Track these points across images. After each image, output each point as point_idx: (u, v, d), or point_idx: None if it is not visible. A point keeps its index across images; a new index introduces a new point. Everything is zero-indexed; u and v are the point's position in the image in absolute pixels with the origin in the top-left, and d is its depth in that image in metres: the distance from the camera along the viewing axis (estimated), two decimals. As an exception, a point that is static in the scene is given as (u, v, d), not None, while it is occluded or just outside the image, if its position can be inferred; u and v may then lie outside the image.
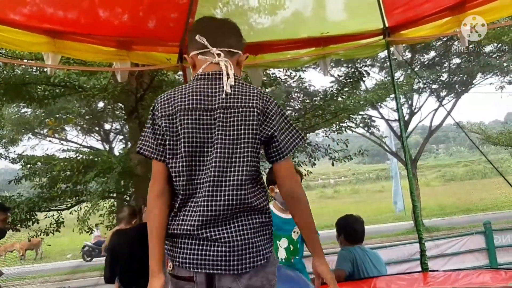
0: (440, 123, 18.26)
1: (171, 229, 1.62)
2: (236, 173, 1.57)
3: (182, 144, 1.58)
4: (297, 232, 2.79)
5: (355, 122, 11.30)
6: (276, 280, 1.64)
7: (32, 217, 6.72)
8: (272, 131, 1.60)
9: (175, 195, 1.64)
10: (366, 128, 15.91)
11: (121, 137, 11.36)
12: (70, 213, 8.07)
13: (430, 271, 4.59)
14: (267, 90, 8.60)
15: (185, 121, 1.59)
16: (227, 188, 1.57)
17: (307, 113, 7.77)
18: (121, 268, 4.07)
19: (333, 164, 8.98)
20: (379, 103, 13.32)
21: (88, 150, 9.06)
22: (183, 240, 1.59)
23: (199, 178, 1.59)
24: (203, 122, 1.59)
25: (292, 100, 8.83)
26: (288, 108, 8.61)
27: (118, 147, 11.04)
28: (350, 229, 4.24)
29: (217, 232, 1.56)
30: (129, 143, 7.88)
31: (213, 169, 1.57)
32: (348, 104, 7.41)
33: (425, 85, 15.53)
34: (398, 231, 15.72)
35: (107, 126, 11.55)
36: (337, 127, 8.61)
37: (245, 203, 1.58)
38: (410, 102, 17.31)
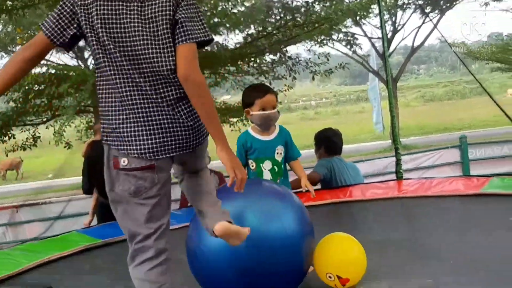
0: (423, 41, 18.10)
1: (117, 123, 1.62)
2: (161, 63, 1.61)
3: (101, 34, 1.58)
4: (280, 153, 2.75)
5: (337, 39, 11.09)
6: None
7: (8, 132, 6.64)
8: (181, 16, 1.61)
9: (110, 95, 1.64)
10: (348, 47, 15.70)
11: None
12: (46, 128, 7.96)
13: (405, 179, 4.73)
14: (246, 4, 8.26)
15: (101, 10, 1.58)
16: (156, 77, 1.61)
17: (287, 22, 7.51)
18: (98, 179, 4.06)
19: (313, 78, 8.90)
20: (362, 19, 12.99)
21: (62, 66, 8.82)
22: (135, 126, 1.61)
23: (125, 69, 1.60)
24: (119, 12, 1.60)
25: (273, 16, 8.51)
26: (268, 23, 8.32)
27: (93, 64, 10.75)
28: (329, 142, 4.36)
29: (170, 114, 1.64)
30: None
31: (139, 61, 1.60)
32: (330, 13, 7.17)
33: (410, 1, 15.17)
34: (376, 149, 16.04)
35: (81, 43, 11.16)
36: (319, 40, 8.43)
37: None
38: (394, 18, 16.99)
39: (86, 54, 11.51)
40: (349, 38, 14.92)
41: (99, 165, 4.03)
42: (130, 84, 1.60)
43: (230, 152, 1.69)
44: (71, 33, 1.62)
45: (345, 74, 53.35)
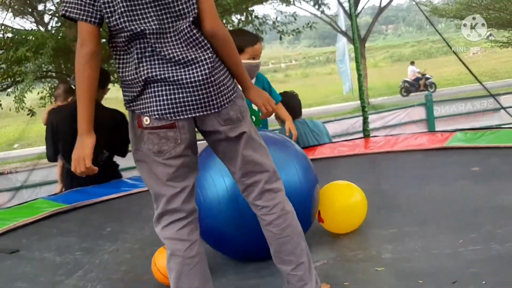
0: (390, 0, 18.09)
1: (135, 81, 1.58)
2: (186, 17, 1.58)
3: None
4: None
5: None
6: (247, 112, 1.73)
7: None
8: None
9: (124, 53, 1.59)
10: (316, 7, 15.58)
11: (56, 19, 10.53)
12: (7, 95, 7.69)
13: (371, 137, 4.80)
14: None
15: None
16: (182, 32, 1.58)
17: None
18: (63, 145, 3.98)
19: (280, 38, 8.81)
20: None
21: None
22: (155, 89, 1.57)
23: (146, 26, 1.55)
24: None
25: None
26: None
27: (53, 27, 10.33)
28: (287, 107, 4.27)
29: (188, 74, 1.59)
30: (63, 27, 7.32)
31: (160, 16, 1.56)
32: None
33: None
34: (345, 110, 16.21)
35: (40, 7, 10.67)
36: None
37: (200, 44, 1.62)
38: (361, -22, 16.86)
39: (47, 18, 11.05)
40: (317, -2, 14.78)
41: (63, 131, 3.97)
42: (147, 49, 1.57)
43: (257, 89, 1.77)
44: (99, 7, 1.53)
45: (314, 36, 53.19)
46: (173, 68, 1.58)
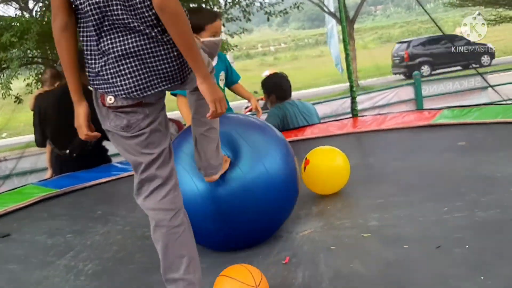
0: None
1: (99, 67, 1.56)
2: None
3: None
4: (223, 79, 2.73)
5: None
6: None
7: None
8: None
9: (89, 38, 1.56)
10: (304, -12, 15.43)
11: (41, 4, 10.37)
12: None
13: (360, 116, 4.83)
14: None
15: None
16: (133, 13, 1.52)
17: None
18: (51, 131, 3.96)
19: (268, 19, 8.76)
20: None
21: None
22: (118, 71, 1.54)
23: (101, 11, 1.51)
24: None
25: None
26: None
27: (37, 11, 10.16)
28: (279, 88, 4.28)
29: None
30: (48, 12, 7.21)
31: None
32: None
33: None
34: (335, 92, 16.23)
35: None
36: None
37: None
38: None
39: (31, 4, 10.88)
40: (305, -21, 14.64)
41: (51, 116, 3.94)
42: (108, 25, 1.53)
43: (211, 84, 1.61)
44: None
45: (303, 18, 52.90)
46: (135, 42, 1.53)
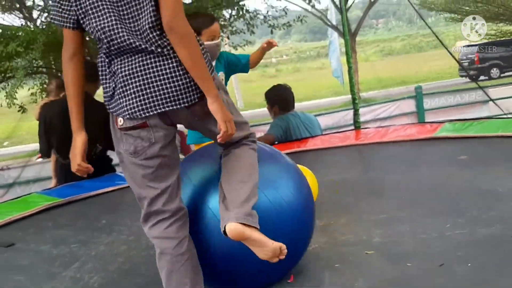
0: (380, -6, 18.13)
1: (111, 90, 1.60)
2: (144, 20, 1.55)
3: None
4: (223, 79, 2.75)
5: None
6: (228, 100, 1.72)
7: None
8: None
9: (101, 56, 1.61)
10: (307, 1, 15.57)
11: (45, 14, 10.46)
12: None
13: (362, 129, 4.87)
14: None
15: None
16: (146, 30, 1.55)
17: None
18: (56, 140, 4.00)
19: (272, 32, 8.84)
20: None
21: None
22: (125, 91, 1.57)
23: (118, 29, 1.54)
24: None
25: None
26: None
27: (42, 22, 10.24)
28: (282, 100, 4.33)
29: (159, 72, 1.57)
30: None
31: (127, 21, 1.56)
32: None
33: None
34: (336, 104, 16.28)
35: (28, 3, 10.60)
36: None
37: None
38: (351, -28, 16.87)
39: (35, 14, 10.97)
40: (307, -8, 14.78)
41: (56, 125, 3.98)
42: (115, 49, 1.56)
43: (222, 104, 1.59)
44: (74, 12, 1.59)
45: (305, 30, 53.17)
46: (140, 63, 1.55)
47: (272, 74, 33.80)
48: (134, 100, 1.55)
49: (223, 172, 1.72)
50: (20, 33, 5.86)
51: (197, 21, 2.45)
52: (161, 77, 1.54)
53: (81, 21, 1.58)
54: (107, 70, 1.59)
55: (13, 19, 10.76)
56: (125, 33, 1.52)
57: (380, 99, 14.87)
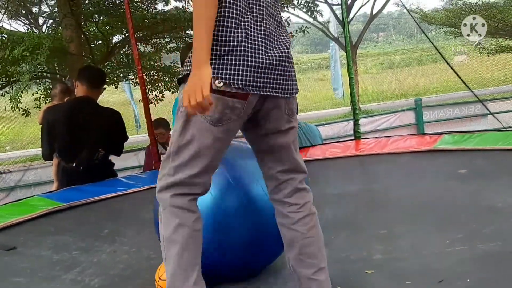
0: (381, 7, 18.28)
1: (235, 40, 1.47)
2: None
3: None
4: None
5: (298, 3, 11.10)
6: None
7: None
8: None
9: (227, 18, 1.48)
10: (309, 14, 15.69)
11: (51, 21, 10.57)
12: (1, 95, 7.68)
13: (362, 139, 4.90)
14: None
15: None
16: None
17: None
18: (59, 144, 4.03)
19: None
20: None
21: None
22: (246, 55, 1.47)
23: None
24: None
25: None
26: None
27: (48, 27, 10.35)
28: None
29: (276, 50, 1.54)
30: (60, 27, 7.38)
31: None
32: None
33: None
34: (337, 115, 16.34)
35: (34, 9, 10.72)
36: (280, 3, 8.39)
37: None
38: (353, -15, 17.03)
39: (41, 20, 11.10)
40: (309, 4, 14.90)
41: (59, 129, 4.00)
42: (250, 16, 1.50)
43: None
44: None
45: (306, 42, 53.42)
46: (265, 39, 1.51)
47: (273, 84, 33.79)
48: (252, 71, 1.48)
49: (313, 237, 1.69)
50: (25, 39, 5.91)
51: None
52: (283, 61, 1.53)
53: None
54: (232, 32, 1.48)
55: (18, 26, 10.86)
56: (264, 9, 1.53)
57: (380, 110, 14.96)
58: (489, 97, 9.80)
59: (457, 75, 5.34)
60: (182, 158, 1.54)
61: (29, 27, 10.68)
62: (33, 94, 7.82)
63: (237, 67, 1.46)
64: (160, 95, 9.04)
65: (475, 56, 26.75)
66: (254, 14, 1.51)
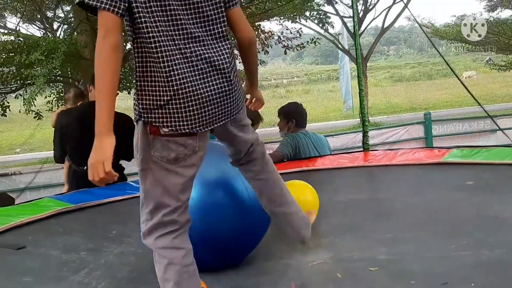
0: (393, 21, 18.36)
1: (165, 100, 1.50)
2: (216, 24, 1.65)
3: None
4: None
5: (310, 15, 11.19)
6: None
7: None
8: None
9: (155, 69, 1.50)
10: (320, 25, 15.78)
11: (65, 26, 10.73)
12: (15, 97, 7.80)
13: (371, 151, 4.91)
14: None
15: None
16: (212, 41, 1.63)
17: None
18: (71, 147, 4.08)
19: (285, 53, 8.97)
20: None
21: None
22: (187, 99, 1.52)
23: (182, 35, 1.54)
24: None
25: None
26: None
27: (64, 31, 10.49)
28: (299, 115, 4.43)
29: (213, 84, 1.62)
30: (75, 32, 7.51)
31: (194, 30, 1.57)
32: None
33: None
34: (346, 127, 16.33)
35: (49, 14, 10.89)
36: (293, 14, 8.48)
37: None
38: (365, -2, 17.15)
39: (55, 25, 11.26)
40: (321, 16, 15.00)
41: (72, 133, 4.07)
42: (178, 56, 1.51)
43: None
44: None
45: (317, 53, 53.57)
46: (201, 77, 1.55)
47: (282, 94, 33.87)
48: (198, 116, 1.54)
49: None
50: (41, 43, 6.02)
51: None
52: (223, 92, 1.60)
53: (137, 14, 1.46)
54: (165, 82, 1.51)
55: (34, 30, 11.03)
56: (197, 44, 1.60)
57: (389, 123, 14.94)
58: (498, 113, 9.76)
59: (467, 90, 5.35)
60: (152, 201, 1.60)
61: (44, 32, 10.83)
62: (45, 98, 7.93)
63: (180, 115, 1.50)
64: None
65: (486, 72, 26.68)
66: (182, 51, 1.52)
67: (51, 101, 8.02)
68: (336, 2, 15.70)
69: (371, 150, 4.92)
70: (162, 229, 1.60)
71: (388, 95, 24.96)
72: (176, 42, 1.51)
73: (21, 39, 6.31)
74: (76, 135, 3.96)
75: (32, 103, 5.58)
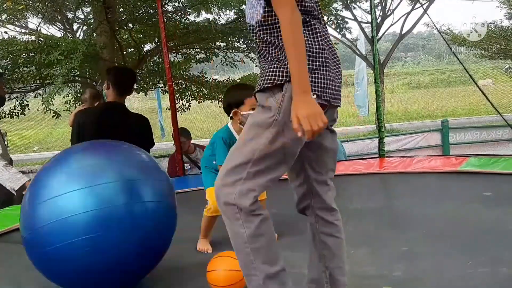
0: (411, 27, 18.24)
1: (316, 65, 1.59)
2: None
3: None
4: None
5: (328, 20, 11.16)
6: None
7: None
8: None
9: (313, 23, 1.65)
10: (338, 30, 15.77)
11: (85, 27, 10.87)
12: (35, 96, 7.91)
13: (387, 157, 4.88)
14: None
15: None
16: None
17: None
18: (88, 146, 4.12)
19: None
20: (353, 3, 13.00)
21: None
22: (328, 72, 1.62)
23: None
24: None
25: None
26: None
27: (84, 32, 10.63)
28: None
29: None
30: (94, 34, 7.61)
31: None
32: (321, -7, 7.20)
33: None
34: (361, 133, 16.25)
35: (69, 15, 11.05)
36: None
37: None
38: (384, 3, 17.06)
39: (75, 27, 11.41)
40: (339, 21, 15.00)
41: (89, 133, 4.10)
42: (324, 36, 1.66)
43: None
44: None
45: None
46: (333, 57, 1.68)
47: (297, 99, 33.84)
48: (334, 88, 1.64)
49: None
50: (61, 43, 6.11)
51: (240, 92, 2.64)
52: (340, 76, 1.70)
53: None
54: (316, 50, 1.61)
55: (54, 31, 11.17)
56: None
57: (405, 130, 14.83)
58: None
59: (486, 98, 5.29)
60: (267, 164, 1.58)
61: (64, 32, 10.98)
62: (63, 97, 8.03)
63: (324, 81, 1.60)
64: (187, 104, 9.19)
65: (505, 80, 26.34)
66: (326, 37, 1.68)
67: (69, 101, 8.12)
68: (354, 8, 15.63)
69: (387, 157, 4.89)
70: (258, 190, 1.59)
71: (405, 102, 24.80)
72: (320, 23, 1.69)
73: (42, 40, 6.41)
74: (93, 134, 4.00)
75: (51, 102, 5.66)
